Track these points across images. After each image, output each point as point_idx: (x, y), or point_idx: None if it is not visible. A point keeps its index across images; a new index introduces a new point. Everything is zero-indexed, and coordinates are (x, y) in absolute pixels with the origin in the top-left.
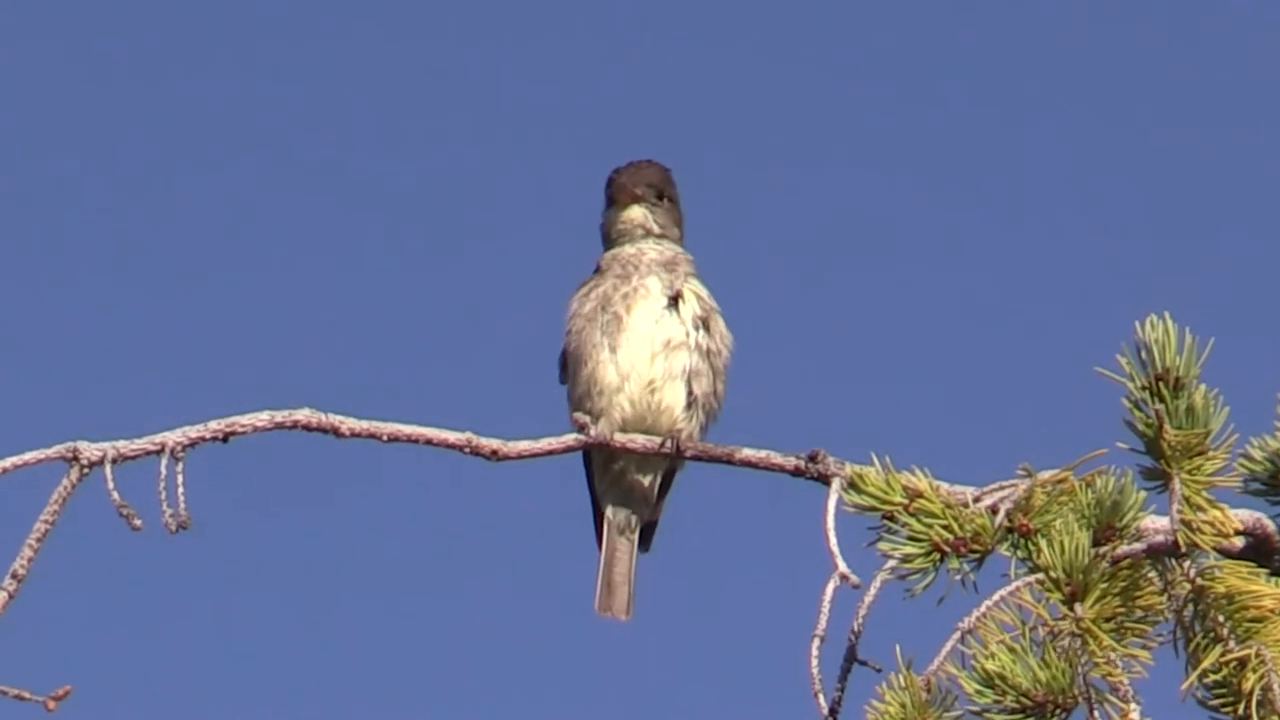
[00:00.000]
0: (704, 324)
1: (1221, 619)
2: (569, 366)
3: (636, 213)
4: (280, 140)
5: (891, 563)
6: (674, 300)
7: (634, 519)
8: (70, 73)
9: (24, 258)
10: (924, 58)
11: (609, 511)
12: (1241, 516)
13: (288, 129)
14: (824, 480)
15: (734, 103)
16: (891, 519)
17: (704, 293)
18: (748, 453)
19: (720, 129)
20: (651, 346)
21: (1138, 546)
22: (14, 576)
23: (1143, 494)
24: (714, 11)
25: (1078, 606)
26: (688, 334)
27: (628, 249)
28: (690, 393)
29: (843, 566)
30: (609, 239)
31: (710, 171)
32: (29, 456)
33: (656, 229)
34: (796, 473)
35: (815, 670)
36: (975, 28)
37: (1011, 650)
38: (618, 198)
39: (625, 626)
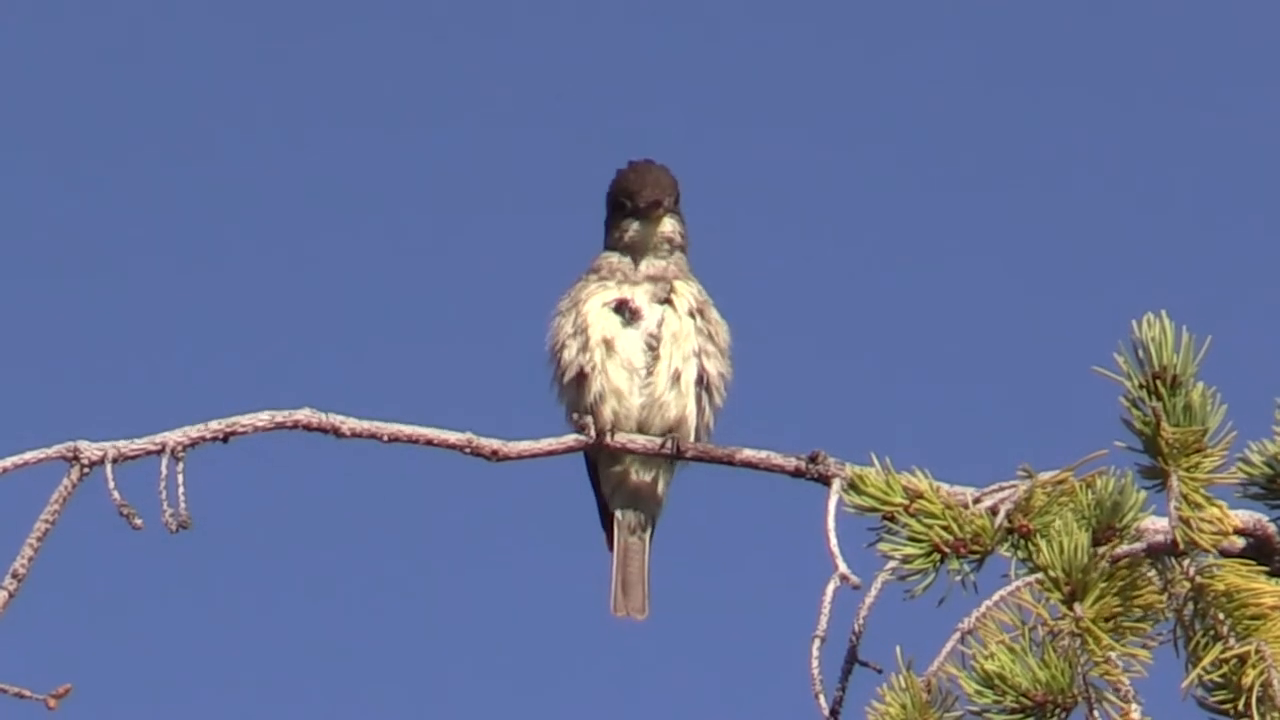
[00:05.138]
0: (700, 314)
1: (1221, 616)
2: (549, 364)
3: (668, 225)
4: (280, 139)
5: (892, 563)
6: (648, 343)
7: (644, 518)
8: (69, 72)
9: (24, 258)
10: (921, 56)
11: (619, 512)
12: (1242, 517)
13: (287, 128)
14: (824, 481)
15: (731, 103)
16: (892, 520)
17: (694, 291)
18: (748, 453)
19: (718, 128)
20: (620, 332)
21: (1137, 546)
22: (14, 576)
23: (1143, 494)
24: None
25: (1077, 606)
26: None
27: (627, 259)
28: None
29: (843, 567)
30: (629, 249)
31: (708, 171)
32: (30, 456)
33: (679, 239)
34: (797, 473)
35: (816, 671)
36: (974, 24)
37: (1011, 650)
38: (648, 212)
39: (638, 626)
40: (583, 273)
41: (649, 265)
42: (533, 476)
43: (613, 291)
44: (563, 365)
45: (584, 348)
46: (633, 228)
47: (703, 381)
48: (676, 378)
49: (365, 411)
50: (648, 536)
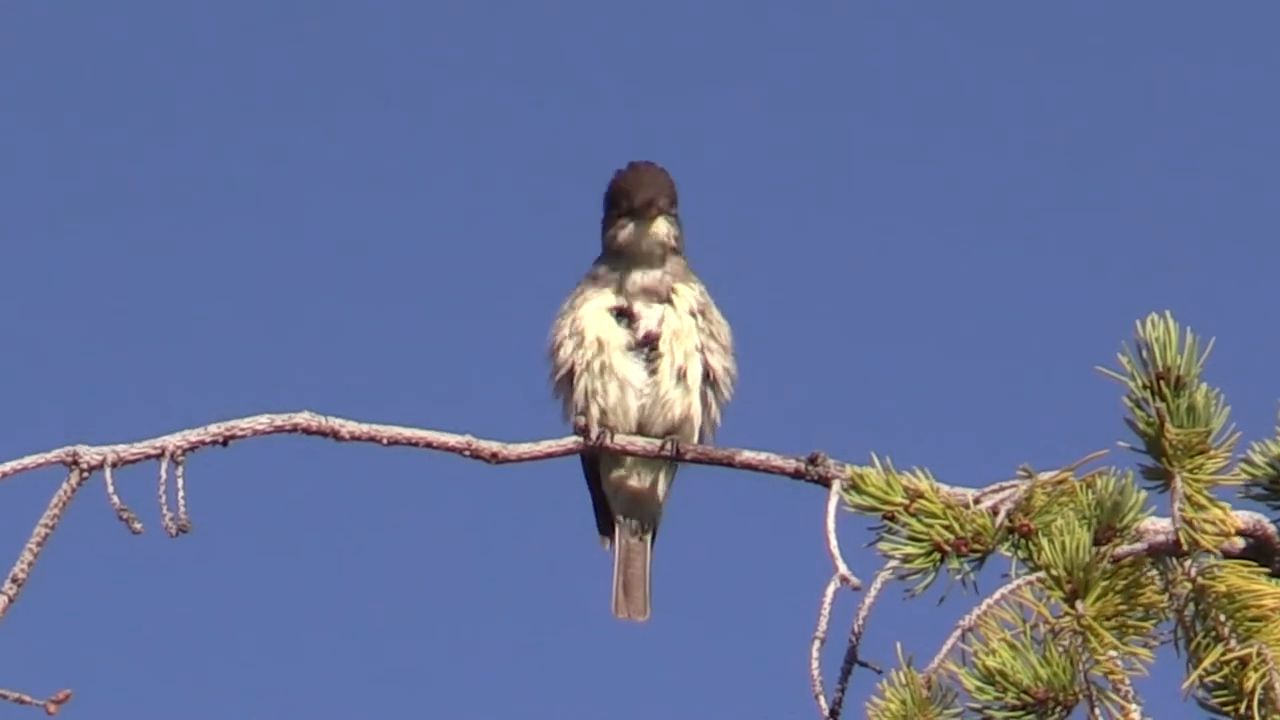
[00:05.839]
0: (701, 313)
1: (1223, 618)
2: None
3: (661, 229)
4: (279, 140)
5: (892, 563)
6: (649, 340)
7: (645, 520)
8: (69, 73)
9: (23, 259)
10: (921, 55)
11: (620, 515)
12: (1242, 518)
13: (286, 128)
14: (824, 482)
15: (730, 102)
16: (892, 519)
17: (696, 293)
18: (748, 455)
19: (717, 128)
20: (615, 332)
21: (1138, 546)
22: (14, 580)
23: (1143, 494)
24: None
25: (1079, 604)
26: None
27: (623, 264)
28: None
29: (843, 568)
30: (622, 253)
31: (707, 170)
32: (29, 460)
33: (673, 242)
34: (797, 475)
35: (816, 671)
36: (975, 22)
37: (1012, 647)
38: (643, 211)
39: (639, 628)
40: (582, 277)
41: (643, 276)
42: (532, 479)
43: (610, 299)
44: (557, 364)
45: (578, 346)
46: (627, 228)
47: (709, 378)
48: (682, 374)
49: (365, 414)
50: (649, 539)
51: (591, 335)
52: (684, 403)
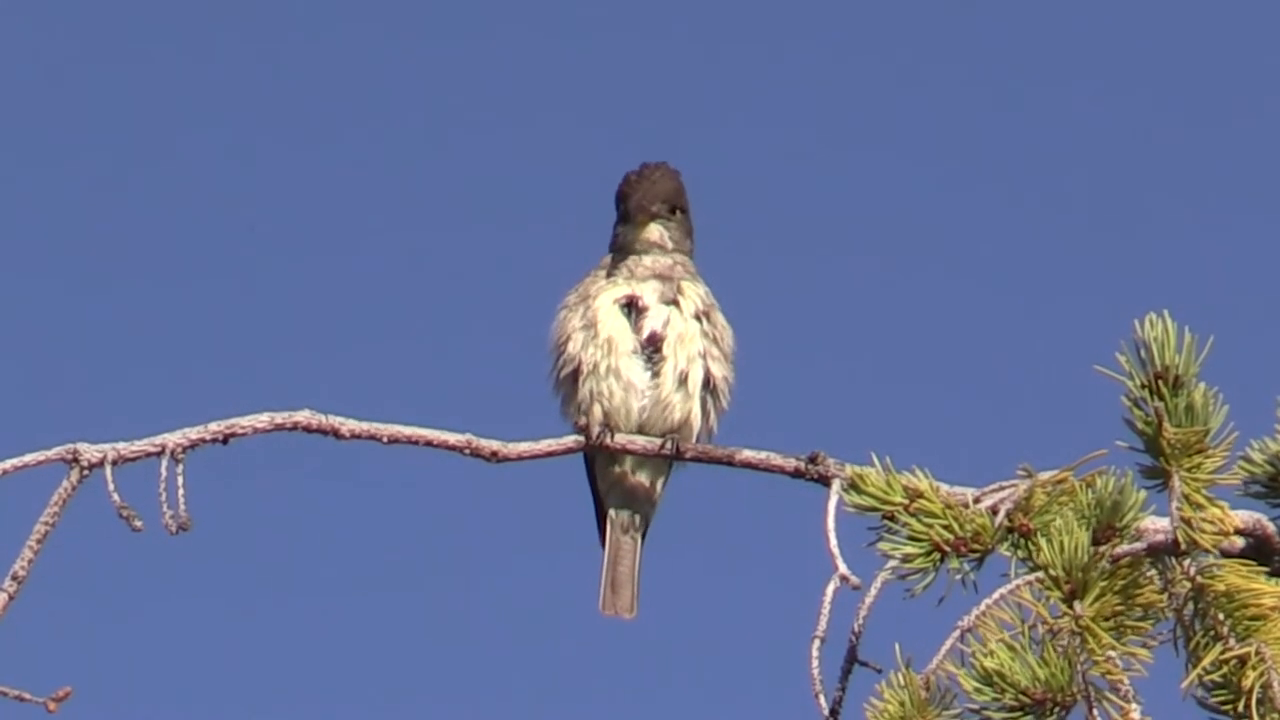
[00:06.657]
0: (705, 317)
1: (1221, 617)
2: (550, 356)
3: (654, 232)
4: (280, 139)
5: (892, 562)
6: (652, 342)
7: (638, 518)
8: (69, 73)
9: (23, 258)
10: (924, 55)
11: (612, 511)
12: (1241, 517)
13: (288, 127)
14: (824, 482)
15: (732, 97)
16: (892, 519)
17: (701, 293)
18: (748, 454)
19: (720, 124)
20: (626, 335)
21: (1138, 546)
22: (14, 578)
23: (1143, 494)
24: (716, 5)
25: (1077, 605)
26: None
27: (631, 257)
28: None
29: (843, 567)
30: (621, 252)
31: (709, 169)
32: (29, 458)
33: (670, 245)
34: (797, 474)
35: (816, 671)
36: (976, 23)
37: (1010, 648)
38: (634, 217)
39: (629, 625)
40: (591, 269)
41: (654, 261)
42: (532, 477)
43: (622, 288)
44: (565, 359)
45: (589, 343)
46: (624, 231)
47: (709, 384)
48: (683, 379)
49: (365, 413)
50: (640, 536)
51: (604, 333)
52: (684, 407)
